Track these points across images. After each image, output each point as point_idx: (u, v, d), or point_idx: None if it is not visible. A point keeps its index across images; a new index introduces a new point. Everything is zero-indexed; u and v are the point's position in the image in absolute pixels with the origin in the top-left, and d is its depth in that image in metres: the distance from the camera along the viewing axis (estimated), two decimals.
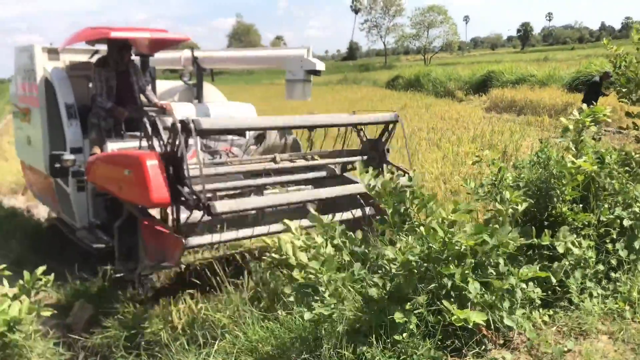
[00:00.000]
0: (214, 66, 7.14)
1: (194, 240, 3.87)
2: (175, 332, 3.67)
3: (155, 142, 3.88)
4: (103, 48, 6.06)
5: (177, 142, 3.68)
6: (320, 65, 5.56)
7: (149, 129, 3.88)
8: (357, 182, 4.71)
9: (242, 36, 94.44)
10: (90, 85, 5.87)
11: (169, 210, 3.89)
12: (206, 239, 4.01)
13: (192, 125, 3.59)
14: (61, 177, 5.49)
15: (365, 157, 4.84)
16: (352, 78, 34.12)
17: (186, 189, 3.67)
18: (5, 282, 4.71)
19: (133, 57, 6.09)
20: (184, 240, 3.68)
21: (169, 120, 3.83)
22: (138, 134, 4.66)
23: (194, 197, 3.61)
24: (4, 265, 3.57)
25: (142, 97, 6.04)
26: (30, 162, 6.84)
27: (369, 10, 72.33)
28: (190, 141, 4.03)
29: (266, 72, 68.71)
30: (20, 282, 3.49)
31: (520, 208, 3.19)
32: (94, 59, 6.09)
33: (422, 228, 2.93)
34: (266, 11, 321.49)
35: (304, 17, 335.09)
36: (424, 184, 6.62)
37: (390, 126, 4.79)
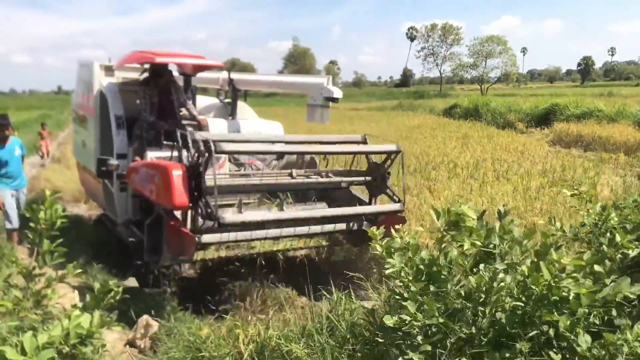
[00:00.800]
0: (247, 87, 7.82)
1: (206, 238, 4.68)
2: (242, 358, 3.50)
3: (184, 154, 4.60)
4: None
5: (199, 159, 4.44)
6: (338, 93, 6.07)
7: (180, 142, 4.61)
8: (360, 197, 5.79)
9: (297, 59, 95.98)
10: (137, 100, 6.49)
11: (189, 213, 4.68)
12: (217, 237, 4.78)
13: (213, 147, 4.36)
14: (106, 178, 6.21)
15: (369, 178, 5.60)
16: (407, 105, 33.82)
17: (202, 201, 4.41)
18: (76, 294, 4.70)
19: (176, 75, 6.80)
20: (196, 239, 4.49)
21: (198, 136, 4.53)
22: (174, 144, 5.51)
23: (208, 209, 4.38)
24: (75, 263, 3.54)
25: (184, 111, 6.67)
26: (84, 163, 7.73)
27: (426, 38, 72.24)
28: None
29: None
30: (91, 293, 3.43)
31: (632, 253, 2.87)
32: (142, 77, 6.74)
33: (524, 268, 2.67)
34: (321, 35, 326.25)
35: (358, 42, 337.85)
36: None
37: (393, 155, 5.49)
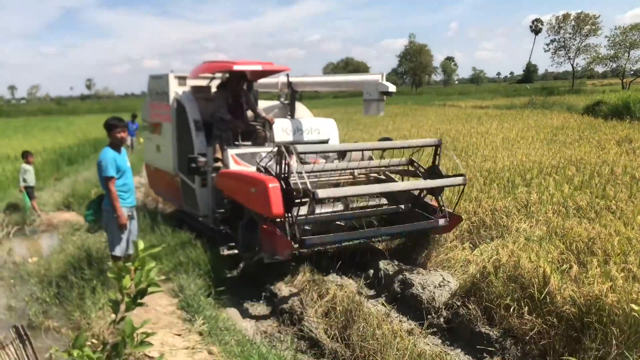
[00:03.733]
0: (305, 89, 8.58)
1: (310, 241, 5.28)
2: None
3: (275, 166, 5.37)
4: (218, 76, 7.85)
5: (283, 161, 5.23)
6: (392, 88, 6.51)
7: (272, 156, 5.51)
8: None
9: (413, 56, 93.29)
10: (207, 104, 7.40)
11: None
12: (319, 239, 5.46)
13: (292, 149, 5.19)
14: (196, 174, 6.91)
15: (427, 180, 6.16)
16: (540, 102, 30.59)
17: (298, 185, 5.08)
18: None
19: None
20: (293, 244, 5.11)
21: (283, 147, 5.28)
22: (249, 143, 7.23)
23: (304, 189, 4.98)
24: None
25: (250, 113, 7.61)
26: (158, 165, 8.50)
27: (557, 29, 66.09)
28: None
29: (435, 94, 66.59)
30: None
31: None
32: (212, 84, 7.83)
33: None
34: (437, 32, 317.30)
35: (476, 38, 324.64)
36: None
37: (438, 149, 6.07)
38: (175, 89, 7.73)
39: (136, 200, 6.29)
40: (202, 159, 6.67)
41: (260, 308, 5.73)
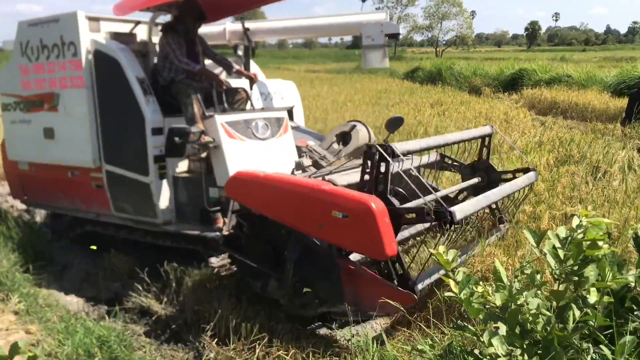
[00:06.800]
0: (270, 37, 6.82)
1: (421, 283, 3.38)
2: None
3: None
4: (144, 20, 5.78)
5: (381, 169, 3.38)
6: (400, 29, 5.39)
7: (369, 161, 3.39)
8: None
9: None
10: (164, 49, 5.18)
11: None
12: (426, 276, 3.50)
13: (394, 150, 3.33)
14: (177, 156, 4.65)
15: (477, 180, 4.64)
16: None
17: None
18: None
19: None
20: (415, 296, 3.21)
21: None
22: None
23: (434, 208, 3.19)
24: None
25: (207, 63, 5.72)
26: (47, 159, 5.74)
27: None
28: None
29: (270, 57, 67.16)
30: None
31: None
32: (137, 30, 5.76)
33: None
34: None
35: (309, 3, 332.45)
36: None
37: (487, 140, 4.70)
38: (89, 37, 5.18)
39: None
40: (194, 129, 4.45)
41: (87, 284, 5.41)
